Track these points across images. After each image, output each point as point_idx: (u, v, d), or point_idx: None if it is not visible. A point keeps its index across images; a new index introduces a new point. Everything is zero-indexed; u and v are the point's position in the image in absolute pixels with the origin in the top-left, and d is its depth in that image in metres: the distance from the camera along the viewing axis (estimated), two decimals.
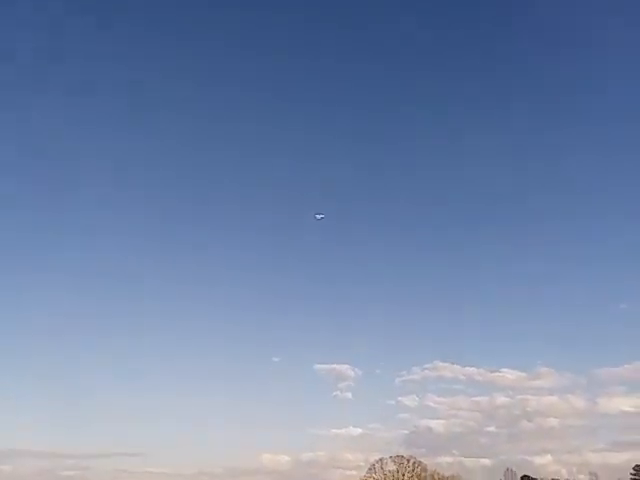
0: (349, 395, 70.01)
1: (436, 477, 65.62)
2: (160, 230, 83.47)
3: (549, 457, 71.54)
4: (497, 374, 67.68)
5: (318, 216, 61.23)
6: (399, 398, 68.72)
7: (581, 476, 69.66)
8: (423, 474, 64.18)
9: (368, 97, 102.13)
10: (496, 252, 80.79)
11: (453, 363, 68.82)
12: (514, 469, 79.60)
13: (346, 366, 71.90)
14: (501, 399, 67.18)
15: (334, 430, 65.28)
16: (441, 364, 69.38)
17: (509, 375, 68.45)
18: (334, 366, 72.27)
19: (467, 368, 68.25)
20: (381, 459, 67.37)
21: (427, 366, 69.55)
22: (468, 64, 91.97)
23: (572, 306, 69.67)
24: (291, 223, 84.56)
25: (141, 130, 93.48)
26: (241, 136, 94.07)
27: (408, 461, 66.09)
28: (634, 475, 76.70)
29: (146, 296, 77.70)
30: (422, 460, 67.35)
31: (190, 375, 68.54)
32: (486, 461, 69.78)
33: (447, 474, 67.42)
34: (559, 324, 67.56)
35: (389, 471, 65.06)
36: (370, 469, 67.02)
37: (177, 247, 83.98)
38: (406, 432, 67.55)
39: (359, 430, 66.21)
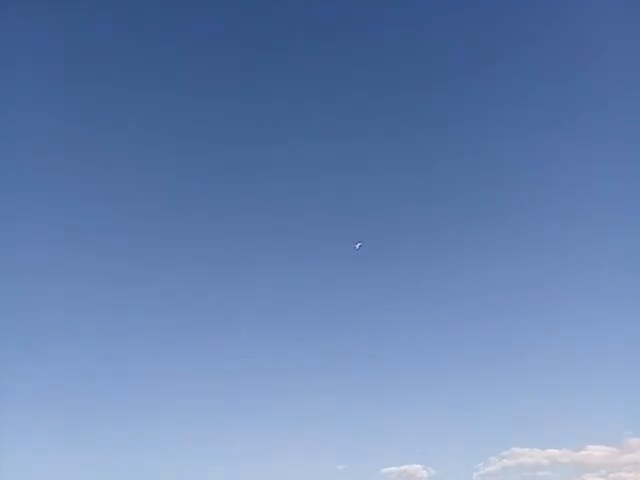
0: None
1: None
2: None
3: None
4: (583, 453, 61.45)
5: (357, 245, 57.65)
6: None
7: None
8: None
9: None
10: (563, 316, 77.37)
11: (532, 447, 63.00)
12: None
13: (417, 466, 64.85)
14: None
15: None
16: (519, 450, 63.11)
17: (597, 452, 61.80)
18: (405, 467, 65.03)
19: (549, 450, 62.46)
20: None
21: (505, 454, 62.73)
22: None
23: None
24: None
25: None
26: None
27: None
28: None
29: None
30: None
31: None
32: None
33: None
34: None
35: None
36: None
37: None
38: None
39: None
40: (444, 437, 64.05)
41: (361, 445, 64.74)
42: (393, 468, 63.72)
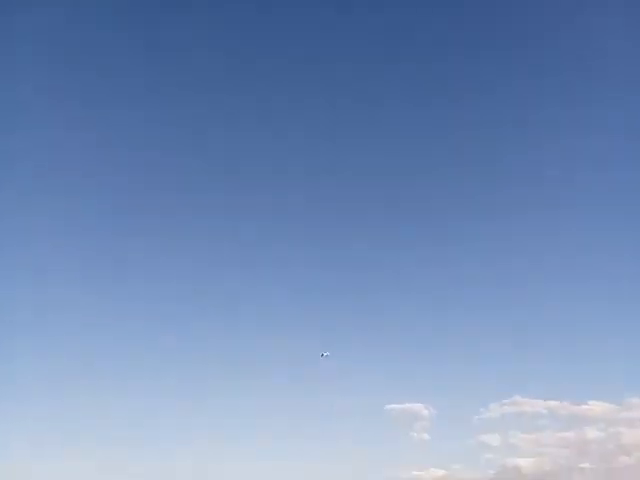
0: (426, 436, 63.95)
1: None
2: None
3: None
4: (584, 407, 62.17)
5: (324, 354, 57.26)
6: (479, 437, 63.13)
7: None
8: None
9: None
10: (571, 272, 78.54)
11: (534, 398, 63.78)
12: None
13: (420, 405, 65.85)
14: (592, 433, 61.30)
15: (415, 472, 59.77)
16: (521, 399, 63.81)
17: (597, 407, 62.49)
18: (407, 405, 66.10)
19: (550, 402, 63.06)
20: None
21: (506, 401, 63.74)
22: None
23: None
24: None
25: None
26: None
27: None
28: None
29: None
30: None
31: (254, 420, 64.77)
32: None
33: None
34: None
35: None
36: None
37: None
38: (492, 472, 61.15)
39: (442, 471, 60.31)
40: (449, 380, 64.45)
41: (365, 381, 65.48)
42: (396, 405, 64.73)
